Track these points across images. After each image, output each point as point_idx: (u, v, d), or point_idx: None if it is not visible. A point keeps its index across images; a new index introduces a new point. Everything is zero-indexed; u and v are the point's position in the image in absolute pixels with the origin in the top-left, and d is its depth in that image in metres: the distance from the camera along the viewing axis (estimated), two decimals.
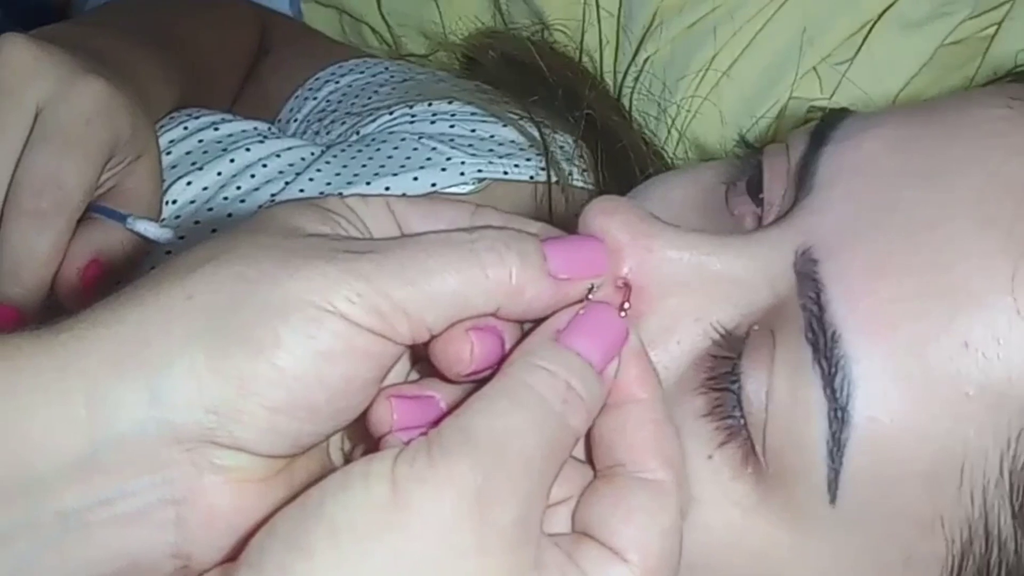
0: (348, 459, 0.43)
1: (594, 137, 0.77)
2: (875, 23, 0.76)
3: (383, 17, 0.98)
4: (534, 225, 0.43)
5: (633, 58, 0.81)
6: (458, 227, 0.42)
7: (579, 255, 0.40)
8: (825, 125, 0.46)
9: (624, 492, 0.38)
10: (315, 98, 0.85)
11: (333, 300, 0.35)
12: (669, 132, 0.79)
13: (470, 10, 0.93)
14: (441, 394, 0.41)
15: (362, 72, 0.87)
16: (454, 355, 0.38)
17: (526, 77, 0.83)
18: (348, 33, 1.03)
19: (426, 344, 0.39)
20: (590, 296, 0.40)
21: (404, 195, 0.68)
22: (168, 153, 0.71)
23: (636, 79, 0.82)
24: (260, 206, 0.68)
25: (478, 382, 0.39)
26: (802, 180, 0.44)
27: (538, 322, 0.40)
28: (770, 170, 0.47)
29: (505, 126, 0.78)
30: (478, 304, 0.38)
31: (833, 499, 0.40)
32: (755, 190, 0.47)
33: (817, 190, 0.43)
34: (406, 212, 0.42)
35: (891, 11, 0.76)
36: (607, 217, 0.43)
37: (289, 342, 0.35)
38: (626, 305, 0.42)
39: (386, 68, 0.88)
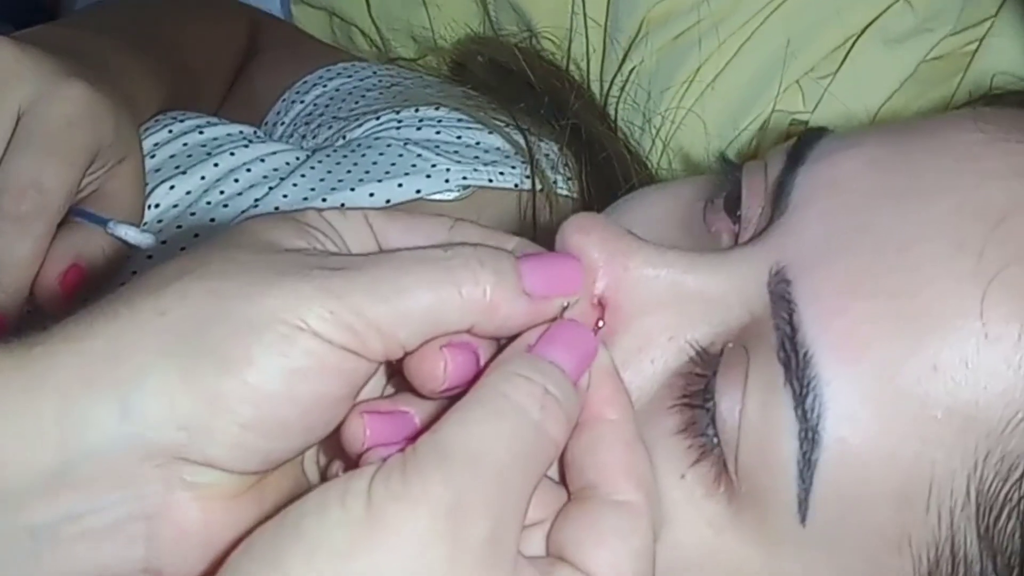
0: (324, 473, 0.43)
1: (579, 145, 0.78)
2: (858, 38, 0.77)
3: (373, 20, 0.98)
4: (512, 240, 0.43)
5: (619, 68, 0.82)
6: (436, 242, 0.42)
7: (555, 274, 0.41)
8: (802, 144, 0.46)
9: (596, 515, 0.38)
10: (302, 101, 0.85)
11: (305, 317, 0.35)
12: (653, 142, 0.80)
13: (459, 16, 0.93)
14: (416, 409, 0.41)
15: (350, 76, 0.87)
16: (428, 372, 0.39)
17: (513, 84, 0.83)
18: (338, 36, 1.03)
19: (400, 360, 0.39)
20: (564, 314, 0.41)
21: (388, 201, 0.69)
22: (152, 156, 0.71)
23: (622, 89, 0.82)
24: (243, 211, 0.69)
25: (453, 398, 0.40)
26: (778, 199, 0.45)
27: (513, 338, 0.40)
28: (748, 187, 0.47)
29: (491, 133, 0.78)
30: (452, 322, 0.38)
31: (803, 519, 0.40)
32: (733, 207, 0.47)
33: (792, 210, 0.44)
34: (384, 226, 0.42)
35: (874, 26, 0.76)
36: (584, 235, 0.43)
37: (261, 359, 0.35)
38: (600, 323, 0.42)
39: (374, 72, 0.88)
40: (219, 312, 0.36)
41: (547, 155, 0.77)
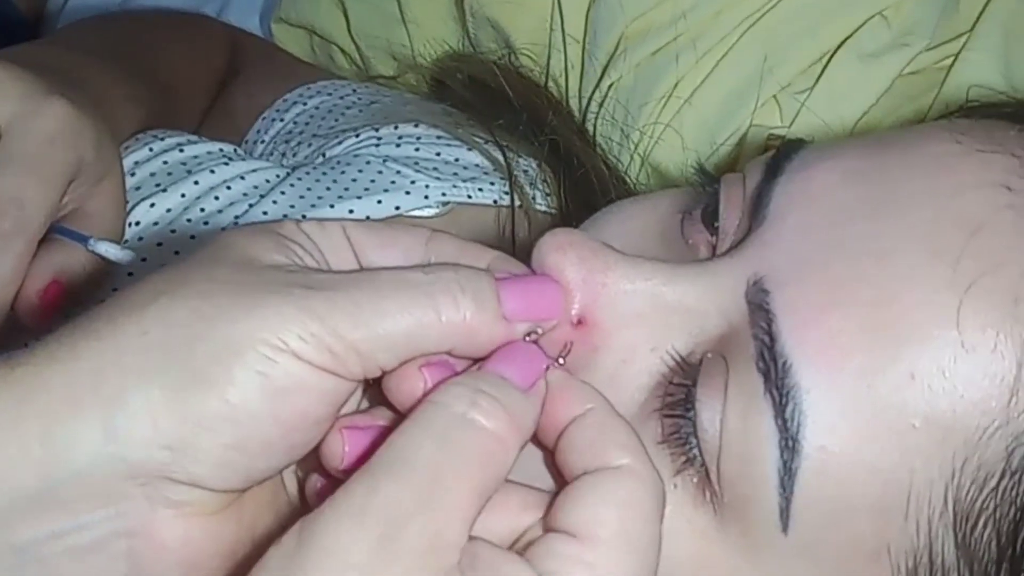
0: (302, 488, 0.43)
1: (558, 161, 0.78)
2: (834, 53, 0.77)
3: (352, 39, 0.99)
4: (489, 254, 0.43)
5: (597, 84, 0.82)
6: (414, 255, 0.42)
7: (534, 298, 0.41)
8: (780, 156, 0.46)
9: (590, 483, 0.37)
10: (282, 119, 0.86)
11: (286, 338, 0.36)
12: (632, 157, 0.80)
13: (438, 33, 0.94)
14: (394, 423, 0.41)
15: (330, 94, 0.87)
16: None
17: (492, 101, 0.84)
18: (318, 54, 1.04)
19: (378, 378, 0.39)
20: (544, 335, 0.41)
21: (367, 218, 0.69)
22: (133, 174, 0.71)
23: (600, 105, 0.82)
24: (223, 228, 0.69)
25: None
26: (756, 210, 0.45)
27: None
28: (727, 199, 0.47)
29: (470, 150, 0.79)
30: (431, 345, 0.38)
31: (785, 528, 0.40)
32: (710, 219, 0.48)
33: (770, 221, 0.44)
34: (362, 238, 0.42)
35: (850, 41, 0.77)
36: (560, 254, 0.43)
37: (242, 380, 0.35)
38: (568, 346, 0.43)
39: (354, 90, 0.89)
40: (201, 332, 0.36)
41: (526, 171, 0.77)
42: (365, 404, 0.44)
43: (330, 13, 1.00)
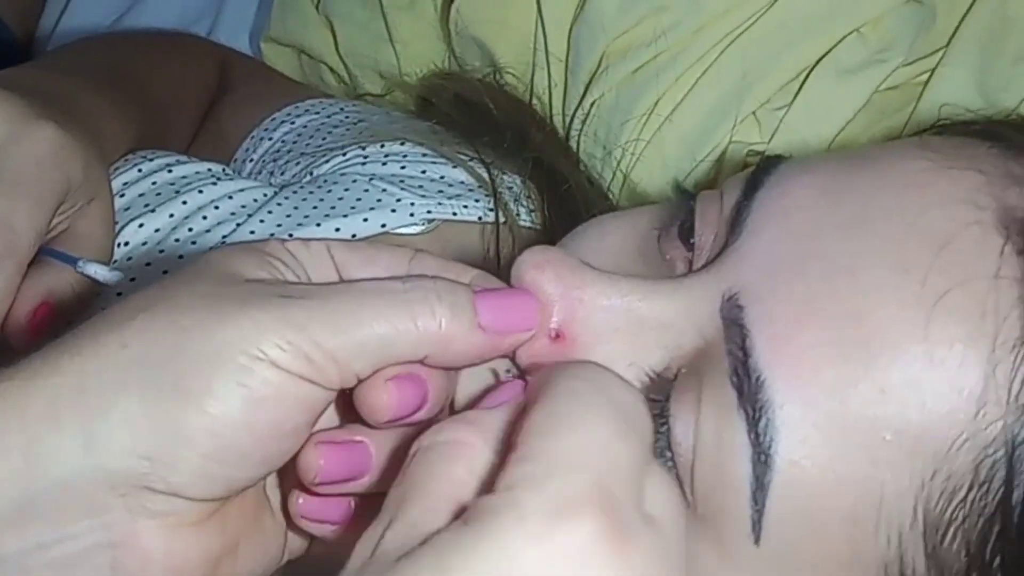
0: (285, 505, 0.44)
1: (542, 178, 0.79)
2: (812, 70, 0.78)
3: (340, 57, 1.00)
4: (470, 272, 0.44)
5: (580, 102, 0.83)
6: (396, 273, 0.43)
7: (510, 309, 0.42)
8: (759, 172, 0.47)
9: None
10: (271, 138, 0.86)
11: (264, 347, 0.36)
12: (614, 174, 0.81)
13: (425, 52, 0.95)
14: (370, 439, 0.42)
15: (317, 113, 0.88)
16: (373, 403, 0.40)
17: (478, 118, 0.85)
18: (307, 72, 1.04)
19: (351, 390, 0.40)
20: (520, 349, 0.42)
21: (354, 236, 0.70)
22: (122, 195, 0.72)
23: (583, 122, 0.83)
24: (211, 248, 0.69)
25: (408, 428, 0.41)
26: (734, 225, 0.45)
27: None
28: (702, 217, 0.48)
29: (455, 167, 0.79)
30: (406, 352, 0.39)
31: (757, 539, 0.41)
32: (686, 235, 0.48)
33: (746, 236, 0.45)
34: (346, 258, 0.43)
35: (827, 58, 0.78)
36: (538, 271, 0.44)
37: (220, 390, 0.36)
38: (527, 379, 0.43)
39: (341, 109, 0.89)
40: (180, 344, 0.37)
41: (510, 188, 0.78)
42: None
43: (318, 32, 1.01)
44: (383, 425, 0.40)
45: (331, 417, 0.44)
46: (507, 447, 0.37)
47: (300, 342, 0.37)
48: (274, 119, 0.88)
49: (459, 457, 0.34)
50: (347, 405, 0.41)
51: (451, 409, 0.45)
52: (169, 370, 0.36)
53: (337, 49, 0.99)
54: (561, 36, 0.85)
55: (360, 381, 0.39)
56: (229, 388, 0.36)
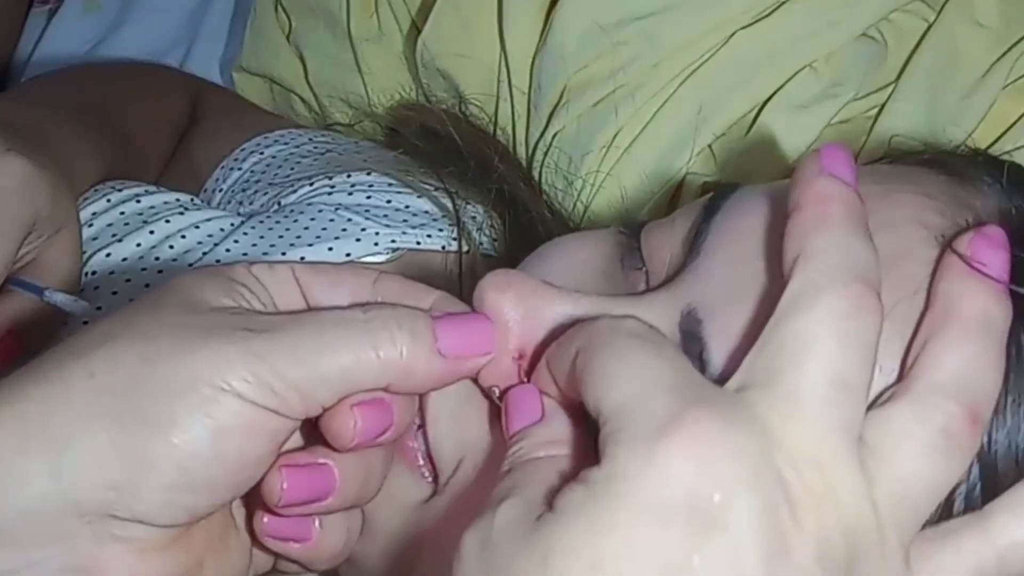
0: (249, 527, 0.44)
1: (505, 207, 0.79)
2: (765, 104, 0.80)
3: (310, 87, 1.01)
4: (432, 295, 0.45)
5: (542, 134, 0.84)
6: (361, 295, 0.44)
7: (468, 334, 0.42)
8: (718, 196, 0.48)
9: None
10: (240, 168, 0.87)
11: (229, 379, 0.37)
12: (575, 205, 0.82)
13: (392, 83, 0.96)
14: (333, 461, 0.42)
15: (286, 143, 0.89)
16: (339, 430, 0.41)
17: (443, 148, 0.85)
18: (278, 102, 1.05)
19: (318, 417, 0.41)
20: (481, 372, 0.43)
21: (315, 262, 0.71)
22: (90, 225, 0.73)
23: (545, 153, 0.84)
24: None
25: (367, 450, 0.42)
26: (692, 246, 0.46)
27: None
28: (650, 247, 0.49)
29: (420, 197, 0.80)
30: (369, 382, 0.40)
31: None
32: (637, 262, 0.49)
33: (703, 256, 0.45)
34: (310, 280, 0.44)
35: (780, 93, 0.79)
36: (499, 292, 0.44)
37: (186, 421, 0.37)
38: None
39: (310, 139, 0.90)
40: (145, 375, 0.37)
41: (473, 217, 0.79)
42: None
43: (289, 62, 1.02)
44: (348, 450, 0.41)
45: (295, 437, 0.44)
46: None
47: (264, 373, 0.38)
48: (244, 149, 0.89)
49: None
50: (311, 425, 0.42)
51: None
52: (135, 401, 0.37)
53: (307, 79, 1.01)
54: (524, 69, 0.87)
55: (325, 410, 0.40)
56: (194, 419, 0.37)
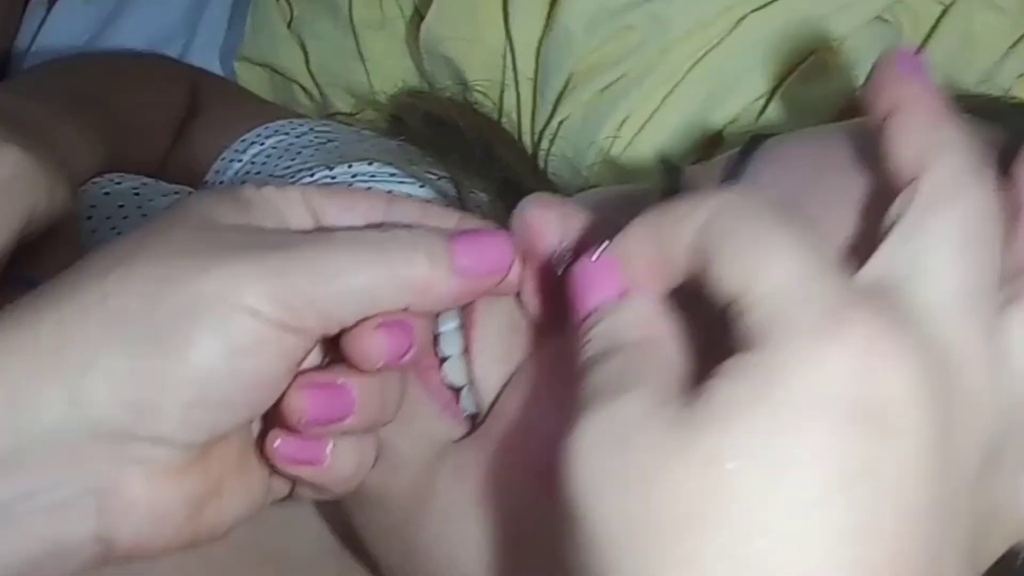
0: (261, 445, 0.43)
1: (510, 195, 0.78)
2: (776, 89, 0.79)
3: (312, 76, 1.00)
4: (452, 217, 0.45)
5: (548, 121, 0.83)
6: (374, 218, 0.44)
7: (485, 251, 0.42)
8: (756, 138, 0.47)
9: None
10: (240, 160, 0.86)
11: (243, 297, 0.37)
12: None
13: (395, 71, 0.95)
14: (352, 382, 0.42)
15: (287, 133, 0.88)
16: (365, 351, 0.40)
17: (447, 136, 0.85)
18: (279, 91, 1.04)
19: (337, 336, 0.40)
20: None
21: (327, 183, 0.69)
22: (89, 217, 0.72)
23: (551, 141, 0.83)
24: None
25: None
26: (731, 175, 0.46)
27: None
28: (686, 187, 0.48)
29: (423, 186, 0.79)
30: (387, 302, 0.40)
31: None
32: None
33: (743, 181, 0.45)
34: (322, 204, 0.44)
35: (791, 78, 0.78)
36: (545, 208, 0.44)
37: (201, 340, 0.37)
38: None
39: (311, 129, 0.89)
40: (159, 295, 0.37)
41: (479, 206, 0.78)
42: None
43: (290, 51, 1.01)
44: (375, 371, 0.41)
45: (313, 355, 0.44)
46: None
47: (280, 291, 0.38)
48: (244, 140, 0.88)
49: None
50: (328, 344, 0.42)
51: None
52: (149, 322, 0.37)
53: (309, 67, 1.00)
54: (530, 55, 0.86)
55: (343, 329, 0.40)
56: (209, 337, 0.37)
